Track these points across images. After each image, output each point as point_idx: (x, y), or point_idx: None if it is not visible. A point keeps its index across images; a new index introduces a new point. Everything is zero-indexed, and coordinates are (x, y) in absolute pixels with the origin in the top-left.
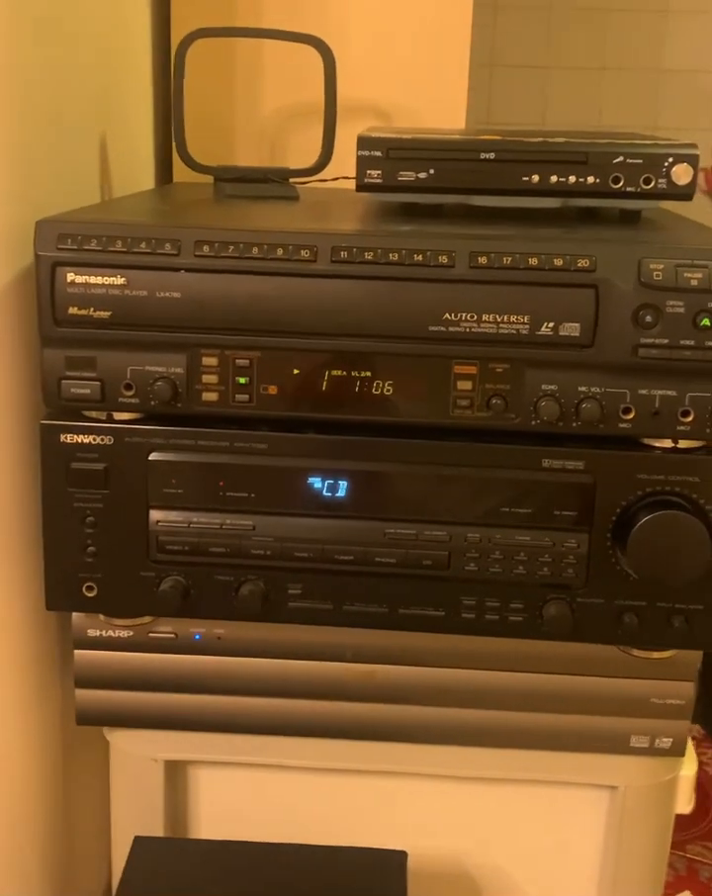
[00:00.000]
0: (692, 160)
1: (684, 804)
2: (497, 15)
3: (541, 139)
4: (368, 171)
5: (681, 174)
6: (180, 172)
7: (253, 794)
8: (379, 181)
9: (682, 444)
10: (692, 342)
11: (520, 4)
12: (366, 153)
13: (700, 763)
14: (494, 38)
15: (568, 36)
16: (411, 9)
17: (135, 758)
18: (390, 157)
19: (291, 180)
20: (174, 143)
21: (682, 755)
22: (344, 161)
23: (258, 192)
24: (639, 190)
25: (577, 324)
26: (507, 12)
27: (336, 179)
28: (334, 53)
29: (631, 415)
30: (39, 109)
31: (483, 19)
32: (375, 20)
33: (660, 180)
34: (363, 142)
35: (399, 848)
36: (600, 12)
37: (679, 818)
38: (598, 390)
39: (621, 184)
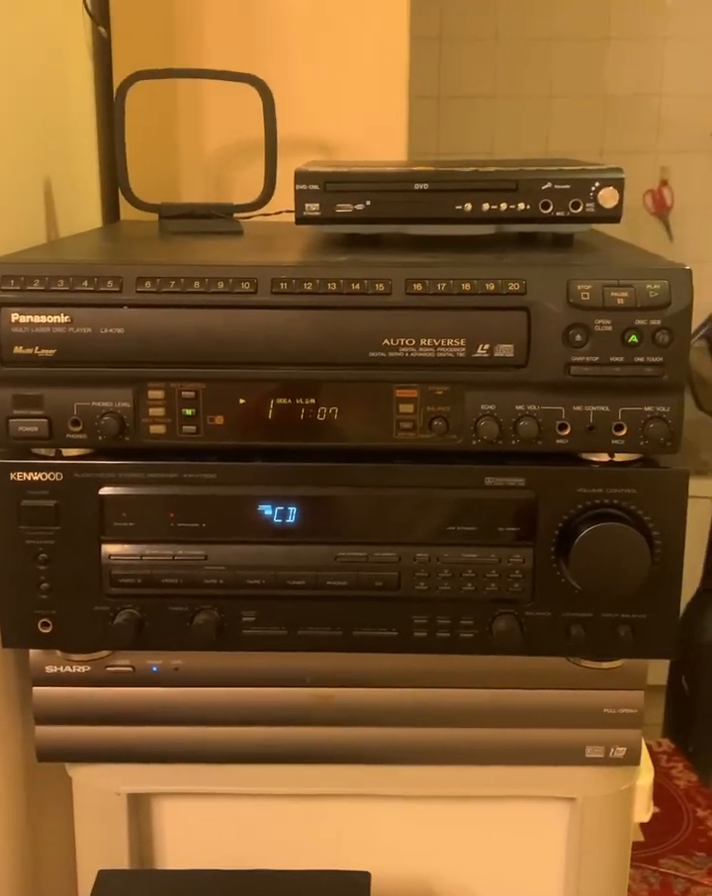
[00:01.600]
0: (618, 184)
1: (642, 813)
2: (443, 46)
3: (473, 169)
4: (306, 204)
5: (608, 198)
6: (127, 211)
7: (218, 823)
8: (317, 214)
9: (619, 457)
10: (622, 359)
11: (466, 36)
12: (304, 187)
13: (670, 776)
14: (441, 69)
15: (514, 65)
16: (349, 45)
17: (98, 792)
18: (327, 190)
19: (235, 215)
20: (119, 183)
21: (637, 763)
22: (288, 195)
23: (202, 228)
24: (568, 214)
25: (510, 346)
26: (453, 44)
27: (279, 212)
28: (276, 90)
29: (567, 431)
30: None
31: (429, 51)
32: (314, 56)
33: (587, 204)
34: (300, 177)
35: (363, 869)
36: (544, 41)
37: (653, 832)
38: (534, 408)
39: (551, 209)
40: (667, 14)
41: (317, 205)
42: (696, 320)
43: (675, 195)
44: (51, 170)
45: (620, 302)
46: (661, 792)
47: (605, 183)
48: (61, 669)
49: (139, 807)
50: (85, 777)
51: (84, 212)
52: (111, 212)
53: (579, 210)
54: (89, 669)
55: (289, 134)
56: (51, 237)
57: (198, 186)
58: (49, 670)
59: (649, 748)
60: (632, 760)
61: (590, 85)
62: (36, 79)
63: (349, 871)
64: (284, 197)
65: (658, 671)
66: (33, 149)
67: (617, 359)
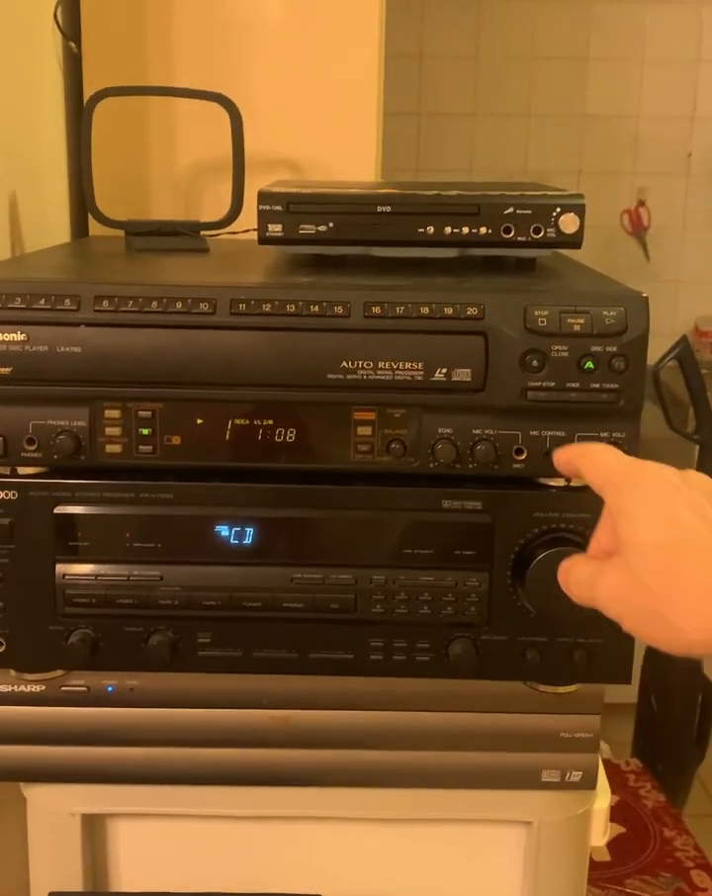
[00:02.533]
0: (579, 210)
1: (599, 836)
2: (423, 64)
3: (435, 193)
4: (269, 225)
5: (568, 223)
6: (96, 227)
7: (173, 845)
8: (280, 234)
9: (575, 482)
10: (577, 384)
11: (447, 54)
12: (267, 208)
13: (639, 796)
14: (422, 87)
15: (494, 84)
16: (319, 63)
17: (52, 812)
18: (290, 211)
19: (202, 233)
20: (84, 199)
21: (594, 787)
22: (256, 213)
23: (169, 245)
24: (529, 239)
25: (468, 370)
26: (434, 61)
27: (247, 231)
28: (246, 108)
29: (524, 456)
30: None
31: (408, 68)
32: (284, 75)
33: (548, 229)
34: (263, 197)
35: (318, 892)
36: (525, 60)
37: (619, 852)
38: (491, 432)
39: (512, 234)
40: (645, 36)
41: (280, 225)
42: (671, 340)
43: (652, 215)
44: (17, 185)
45: (577, 328)
46: (628, 812)
47: (566, 208)
48: (15, 688)
49: (94, 828)
50: (40, 797)
51: (52, 227)
52: (80, 227)
53: (541, 235)
54: (43, 688)
55: (258, 151)
56: (17, 253)
57: (168, 202)
58: (2, 688)
59: (617, 767)
60: (588, 784)
61: (570, 105)
62: (6, 93)
63: (302, 895)
64: (252, 215)
65: (627, 690)
66: (1, 164)
67: (573, 385)
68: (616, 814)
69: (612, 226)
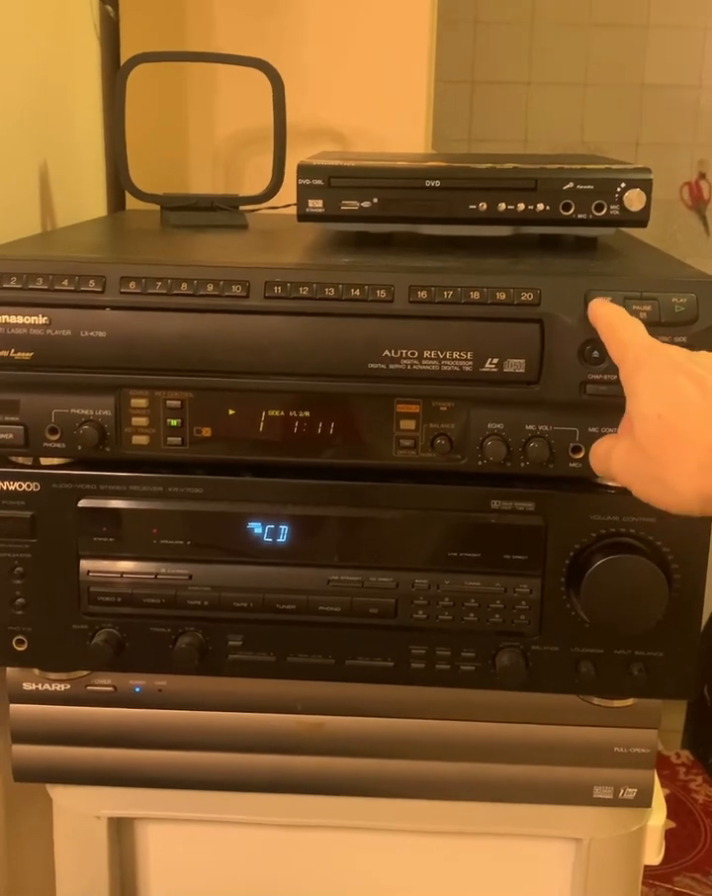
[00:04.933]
0: (645, 186)
1: (653, 855)
2: (477, 30)
3: (488, 166)
4: (309, 200)
5: (634, 200)
6: (133, 200)
7: (202, 850)
8: (321, 211)
9: None
10: None
11: (501, 19)
12: (307, 182)
13: (689, 790)
14: (475, 54)
15: (550, 51)
16: (368, 29)
17: (79, 815)
18: (331, 186)
19: (241, 207)
20: (119, 172)
21: (648, 805)
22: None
23: (206, 220)
24: (590, 217)
25: (522, 361)
26: (488, 28)
27: (288, 206)
28: (290, 76)
29: (581, 455)
30: None
31: (462, 35)
32: (330, 41)
33: (612, 206)
34: (303, 171)
35: None
36: (582, 27)
37: (668, 848)
38: (546, 428)
39: (572, 211)
40: (709, 3)
41: (321, 201)
42: None
43: None
44: (49, 155)
45: (642, 316)
46: (678, 807)
47: (632, 184)
48: (40, 686)
49: (122, 831)
50: (66, 799)
51: (88, 201)
52: (117, 201)
53: (603, 212)
54: (69, 687)
55: (301, 121)
56: (48, 227)
57: (206, 175)
58: (27, 687)
59: (667, 759)
60: (643, 801)
61: (628, 74)
62: (35, 59)
63: None
64: (293, 189)
65: None
66: (30, 134)
67: None
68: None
69: (671, 200)
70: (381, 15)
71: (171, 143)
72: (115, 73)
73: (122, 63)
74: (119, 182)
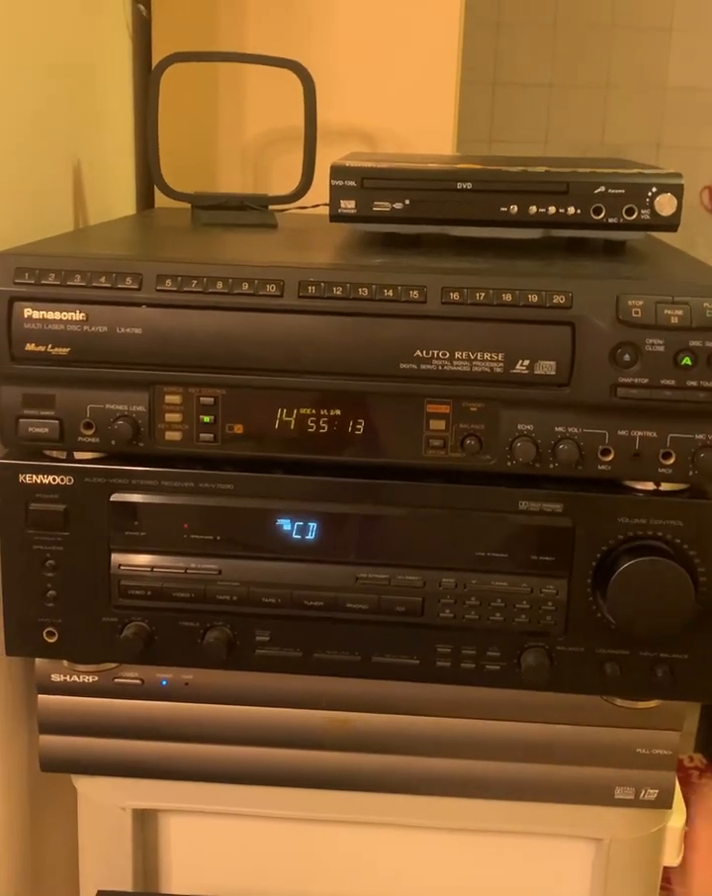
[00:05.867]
0: (677, 191)
1: (672, 856)
2: (500, 32)
3: (520, 169)
4: (342, 201)
5: (665, 205)
6: (162, 197)
7: (226, 844)
8: (353, 211)
9: (665, 487)
10: (673, 382)
11: (524, 21)
12: (339, 183)
13: (703, 795)
14: (497, 55)
15: (572, 53)
16: (398, 31)
17: (104, 806)
18: (364, 187)
19: (270, 207)
20: (150, 170)
21: (669, 806)
22: (327, 187)
23: (236, 219)
24: (621, 221)
25: (552, 363)
26: (511, 29)
27: (317, 206)
28: (319, 76)
29: (610, 457)
30: (3, 136)
31: (485, 36)
32: (361, 42)
33: (643, 211)
34: (336, 172)
35: None
36: (605, 29)
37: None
38: (576, 430)
39: (603, 215)
40: None
41: (353, 202)
42: None
43: None
44: (83, 154)
45: (674, 320)
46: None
47: (663, 189)
48: (68, 678)
49: (146, 823)
50: (90, 790)
51: (117, 198)
52: (146, 199)
53: (634, 216)
54: (96, 679)
55: (331, 121)
56: (80, 224)
57: (236, 174)
58: (55, 678)
59: (680, 762)
60: (664, 803)
61: (650, 76)
62: (68, 58)
63: None
64: (322, 189)
65: None
66: (63, 132)
67: (668, 382)
68: None
69: (691, 204)
70: (410, 16)
71: (200, 142)
72: (145, 71)
73: (153, 63)
74: (148, 180)
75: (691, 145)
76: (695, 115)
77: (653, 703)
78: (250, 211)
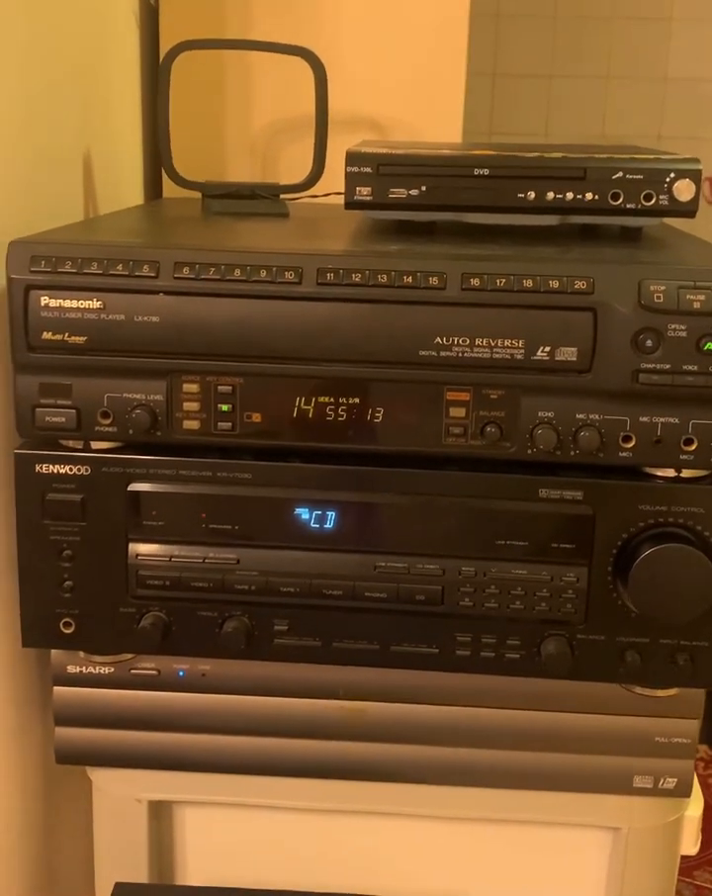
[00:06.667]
0: (695, 176)
1: (690, 845)
2: (500, 23)
3: (537, 155)
4: (357, 188)
5: (683, 190)
6: (170, 188)
7: (242, 835)
8: (369, 198)
9: (686, 473)
10: (695, 367)
11: (523, 12)
12: (355, 170)
13: (708, 785)
14: (497, 46)
15: (571, 44)
16: (407, 19)
17: (119, 798)
18: (380, 174)
19: (281, 196)
20: (161, 159)
21: (688, 795)
22: (337, 176)
23: (247, 208)
24: (639, 207)
25: (574, 349)
26: (510, 20)
27: (328, 195)
28: (328, 65)
29: (631, 444)
30: (14, 125)
31: (485, 28)
32: (370, 30)
33: (661, 196)
34: (352, 158)
35: (392, 890)
36: (604, 20)
37: None
38: (597, 417)
39: (620, 200)
40: None
41: (369, 189)
42: None
43: None
44: (92, 144)
45: (696, 305)
46: None
47: (682, 174)
48: (84, 669)
49: (161, 815)
50: (106, 782)
51: (125, 188)
52: (153, 188)
53: (652, 202)
54: (113, 670)
55: (339, 110)
56: (90, 214)
57: (244, 163)
58: (71, 669)
59: None
60: (683, 792)
61: (650, 67)
62: (77, 48)
63: None
64: (332, 178)
65: None
66: (72, 122)
67: (690, 367)
68: None
69: None
70: (420, 5)
71: (208, 132)
72: (153, 60)
73: (161, 52)
74: (156, 170)
75: (692, 136)
76: (696, 106)
77: (672, 691)
78: (261, 199)
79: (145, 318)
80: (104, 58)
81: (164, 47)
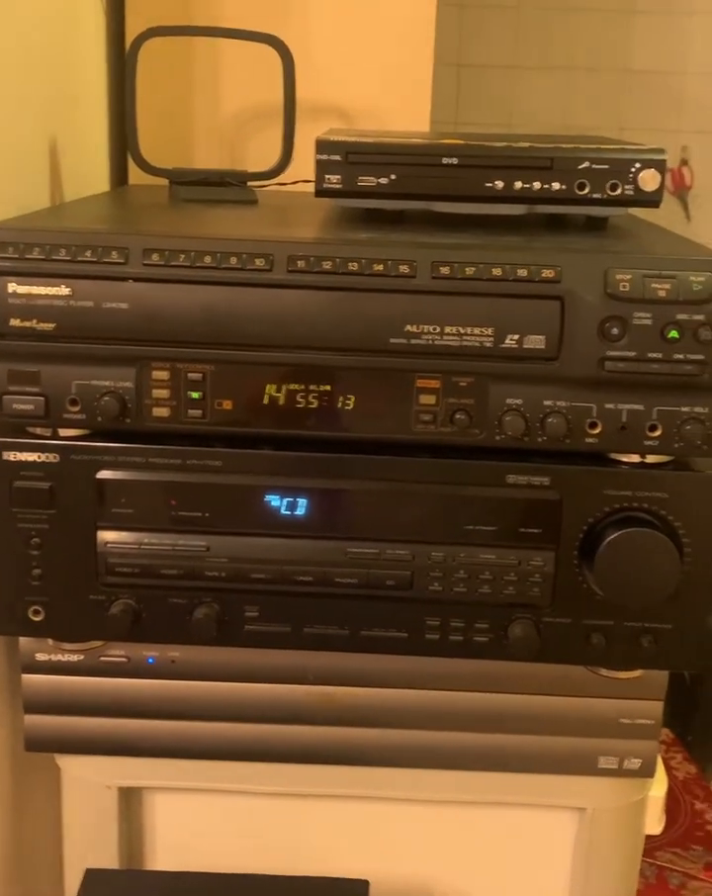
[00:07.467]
0: (660, 166)
1: (654, 825)
2: (464, 14)
3: (505, 144)
4: (327, 176)
5: (648, 180)
6: (136, 175)
7: (212, 821)
8: (338, 186)
9: (650, 459)
10: (660, 355)
11: (487, 3)
12: (325, 157)
13: (669, 768)
14: (461, 37)
15: (535, 35)
16: (374, 8)
17: (88, 784)
18: (349, 162)
19: (249, 183)
20: (128, 145)
21: (652, 775)
22: (306, 164)
23: (215, 196)
24: (605, 196)
25: (542, 337)
26: (474, 11)
27: (296, 183)
28: (296, 53)
29: (597, 430)
30: None
31: (448, 18)
32: (337, 18)
33: (626, 186)
34: (322, 146)
35: (362, 873)
36: (568, 12)
37: None
38: (564, 404)
39: (587, 190)
40: None
41: (339, 177)
42: None
43: (695, 174)
44: (57, 130)
45: (662, 294)
46: None
47: (647, 164)
48: (53, 657)
49: (131, 801)
50: (75, 769)
51: (91, 174)
52: (119, 175)
53: (618, 192)
54: (82, 657)
55: (307, 98)
56: (56, 201)
57: (212, 151)
58: (40, 657)
59: None
60: (647, 772)
61: (613, 59)
62: (43, 33)
63: (346, 879)
64: (300, 165)
65: None
66: (37, 108)
67: (655, 355)
68: None
69: None
70: None
71: (175, 119)
72: (119, 46)
73: (127, 39)
74: (122, 157)
75: (654, 128)
76: (658, 98)
77: (636, 673)
78: (229, 187)
79: (114, 305)
80: (70, 44)
81: (131, 34)
